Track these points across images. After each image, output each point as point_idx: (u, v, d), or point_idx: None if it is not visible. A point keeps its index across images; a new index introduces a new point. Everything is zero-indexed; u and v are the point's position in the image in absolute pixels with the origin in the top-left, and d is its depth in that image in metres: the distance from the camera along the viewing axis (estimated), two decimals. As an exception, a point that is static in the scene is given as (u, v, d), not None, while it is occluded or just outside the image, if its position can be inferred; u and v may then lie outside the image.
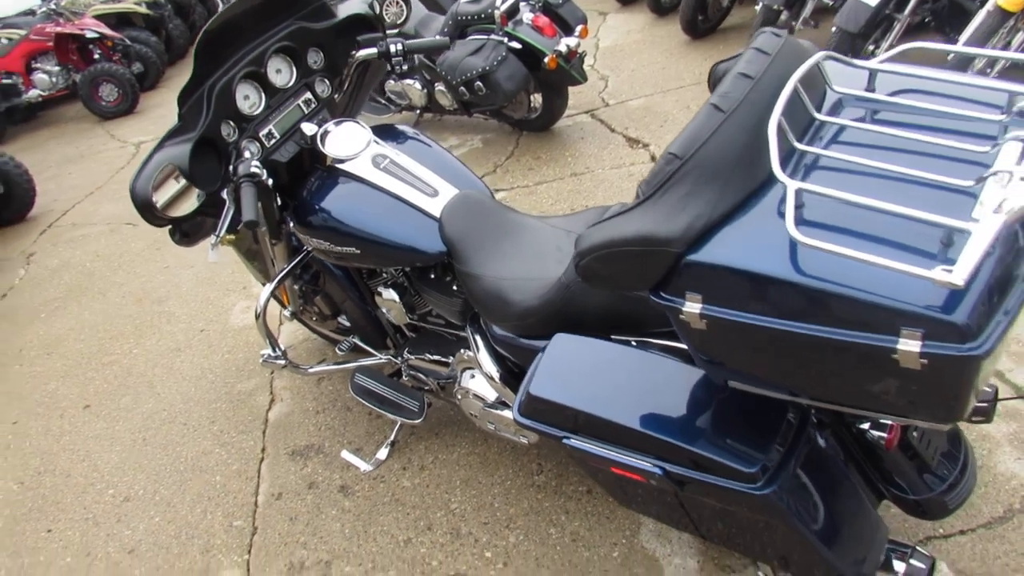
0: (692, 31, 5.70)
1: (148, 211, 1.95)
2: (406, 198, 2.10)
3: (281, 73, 2.23)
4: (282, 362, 2.42)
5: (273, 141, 2.18)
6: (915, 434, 1.60)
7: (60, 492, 2.71)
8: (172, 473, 2.67)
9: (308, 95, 2.28)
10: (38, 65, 7.33)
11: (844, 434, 1.60)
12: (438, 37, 2.49)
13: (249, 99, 2.15)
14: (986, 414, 1.80)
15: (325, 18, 2.31)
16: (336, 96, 2.38)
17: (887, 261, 1.00)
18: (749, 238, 1.20)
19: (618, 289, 1.38)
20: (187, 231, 2.14)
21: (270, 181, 2.06)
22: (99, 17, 7.57)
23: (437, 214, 2.07)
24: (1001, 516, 1.91)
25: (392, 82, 5.05)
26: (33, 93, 7.35)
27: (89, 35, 7.26)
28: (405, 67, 2.34)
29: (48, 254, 4.67)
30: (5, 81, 7.24)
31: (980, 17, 3.37)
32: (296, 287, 2.58)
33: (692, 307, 1.23)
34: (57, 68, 7.34)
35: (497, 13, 4.18)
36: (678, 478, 1.47)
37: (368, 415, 2.70)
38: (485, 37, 4.28)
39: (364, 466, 2.49)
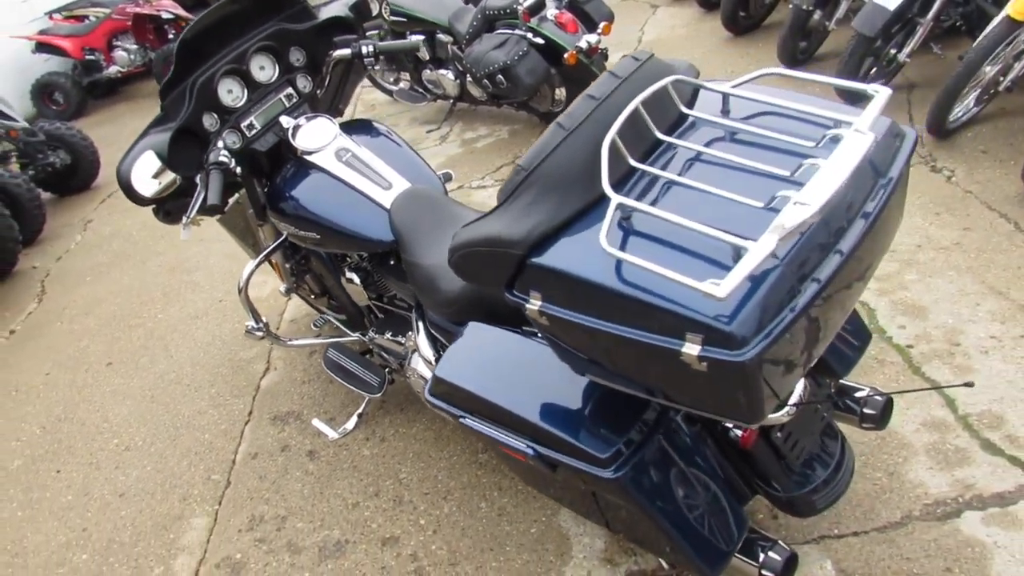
0: (733, 27, 5.67)
1: (130, 192, 2.20)
2: (362, 189, 2.28)
3: (264, 69, 2.43)
4: (260, 333, 2.65)
5: (254, 132, 2.38)
6: (779, 435, 1.69)
7: (73, 438, 3.04)
8: (169, 428, 2.96)
9: (290, 90, 2.47)
10: (118, 43, 7.83)
11: (716, 431, 1.71)
12: (411, 38, 2.62)
13: (232, 93, 2.36)
14: (876, 421, 1.88)
15: (306, 20, 2.50)
16: (319, 92, 2.57)
17: (670, 272, 1.12)
18: (578, 245, 1.33)
19: (481, 285, 1.53)
20: (169, 210, 2.38)
21: (238, 169, 2.26)
22: (176, -1, 8.03)
23: (388, 205, 2.25)
24: (897, 522, 1.97)
25: (428, 71, 5.24)
26: (113, 69, 7.85)
27: (165, 16, 7.70)
28: (376, 67, 2.52)
29: (103, 222, 5.08)
30: (88, 57, 7.76)
31: (992, 26, 3.31)
32: (288, 266, 2.80)
33: (534, 304, 1.38)
34: (135, 47, 7.82)
35: (520, 9, 4.31)
36: (547, 459, 1.61)
37: (346, 389, 2.91)
38: (509, 32, 4.42)
39: (332, 434, 2.70)
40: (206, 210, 2.19)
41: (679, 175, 1.34)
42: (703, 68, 5.28)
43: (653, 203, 1.36)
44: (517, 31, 4.40)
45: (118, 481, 2.76)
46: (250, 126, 2.38)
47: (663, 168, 1.42)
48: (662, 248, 1.27)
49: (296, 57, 2.49)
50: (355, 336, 2.74)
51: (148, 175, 2.20)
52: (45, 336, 3.85)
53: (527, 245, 1.37)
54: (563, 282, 1.32)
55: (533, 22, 4.34)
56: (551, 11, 4.40)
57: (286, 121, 2.40)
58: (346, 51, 2.50)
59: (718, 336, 1.15)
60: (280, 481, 2.58)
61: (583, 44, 4.28)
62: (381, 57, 2.50)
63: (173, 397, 3.13)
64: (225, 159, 2.18)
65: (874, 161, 1.35)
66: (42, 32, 7.62)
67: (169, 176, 2.24)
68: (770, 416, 1.60)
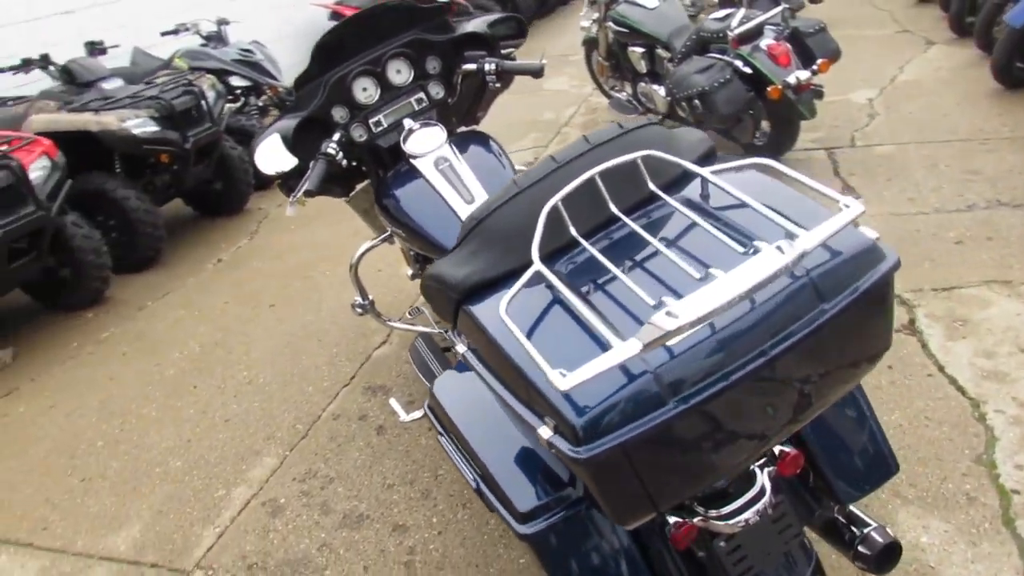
0: (1005, 78, 4.99)
1: (256, 167, 2.51)
2: (446, 198, 2.40)
3: (400, 73, 2.63)
4: (360, 310, 2.89)
5: (379, 128, 2.60)
6: (722, 544, 1.57)
7: (217, 363, 3.53)
8: (287, 374, 3.33)
9: (421, 95, 2.65)
10: None
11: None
12: (535, 61, 2.64)
13: (367, 91, 2.58)
14: (870, 563, 1.67)
15: (446, 32, 2.66)
16: (450, 100, 2.72)
17: (533, 351, 1.12)
18: (496, 302, 1.36)
19: (441, 318, 1.59)
20: (291, 186, 2.67)
21: (344, 162, 2.48)
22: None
23: (464, 217, 2.35)
24: None
25: (643, 85, 5.22)
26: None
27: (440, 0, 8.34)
28: (498, 84, 2.61)
29: (328, 179, 5.71)
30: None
31: None
32: (412, 253, 3.01)
33: (462, 348, 1.43)
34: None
35: (730, 35, 4.15)
36: (484, 497, 1.65)
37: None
38: (718, 57, 4.28)
39: (402, 415, 2.86)
40: (307, 192, 2.44)
41: (610, 256, 1.30)
42: (946, 122, 4.71)
43: (574, 279, 1.35)
44: (725, 57, 4.25)
45: (230, 408, 3.17)
46: (378, 123, 2.58)
47: (603, 245, 1.39)
48: (552, 325, 1.26)
49: (432, 65, 2.66)
50: (438, 331, 2.89)
51: (271, 154, 2.49)
52: (240, 270, 4.46)
53: (461, 291, 1.42)
54: (478, 334, 1.35)
55: (745, 50, 4.16)
56: (766, 40, 4.18)
57: (408, 123, 2.58)
58: (472, 66, 2.62)
59: (565, 427, 1.13)
60: (344, 446, 2.82)
61: (791, 79, 4.03)
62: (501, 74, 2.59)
63: (303, 348, 3.51)
64: (332, 152, 2.40)
65: (819, 283, 1.22)
66: (338, 3, 8.60)
67: (289, 158, 2.52)
68: (716, 523, 1.50)
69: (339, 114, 2.52)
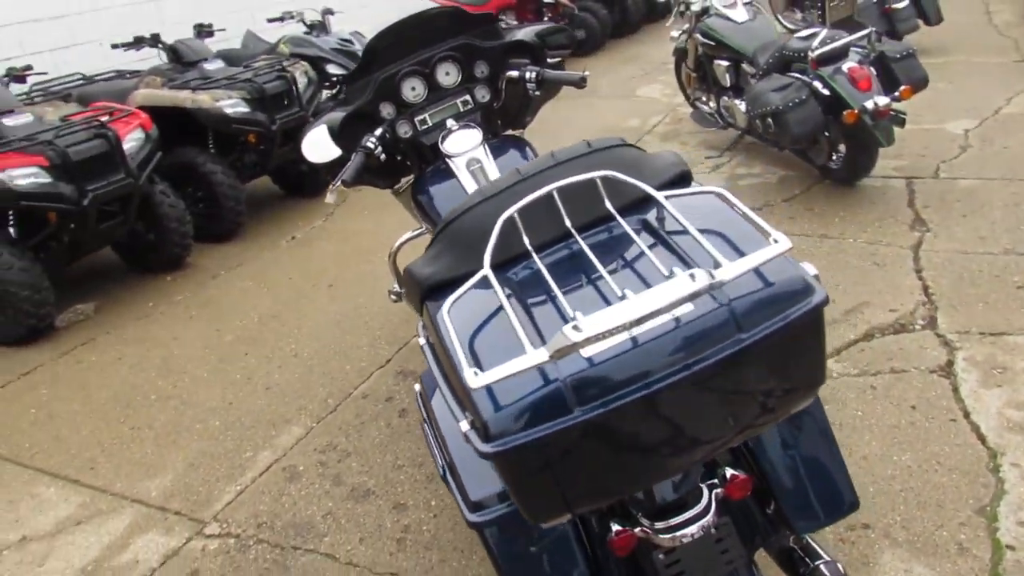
0: (1118, 120, 4.67)
1: (302, 154, 2.67)
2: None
3: (449, 75, 2.73)
4: (394, 297, 3.03)
5: (424, 127, 2.72)
6: (660, 557, 1.60)
7: (270, 334, 3.75)
8: (330, 350, 3.50)
9: (467, 97, 2.75)
10: (503, 18, 8.76)
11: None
12: (576, 72, 2.65)
13: (415, 90, 2.70)
14: None
15: (494, 39, 2.75)
16: (495, 104, 2.81)
17: (458, 348, 1.21)
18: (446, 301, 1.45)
19: (413, 310, 1.70)
20: (335, 175, 2.83)
21: (382, 157, 2.61)
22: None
23: None
24: None
25: (726, 99, 5.17)
26: (492, 40, 8.84)
27: (547, 0, 8.45)
28: (538, 92, 2.68)
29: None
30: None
31: None
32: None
33: (422, 340, 1.53)
34: (514, 22, 8.70)
35: (811, 55, 4.07)
36: (447, 484, 1.74)
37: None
38: (796, 76, 4.20)
39: (422, 401, 3.00)
40: (344, 183, 2.58)
41: (555, 269, 1.37)
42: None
43: (517, 287, 1.42)
44: (804, 76, 4.17)
45: (273, 377, 3.37)
46: (423, 121, 2.70)
47: (553, 258, 1.45)
48: (487, 328, 1.34)
49: (480, 70, 2.75)
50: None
51: (317, 144, 2.64)
52: (309, 248, 4.70)
53: (424, 288, 1.52)
54: (431, 329, 1.45)
55: (825, 71, 4.07)
56: (849, 63, 4.07)
57: (450, 123, 2.68)
58: (515, 72, 2.70)
59: (478, 422, 1.21)
60: (367, 424, 2.96)
61: (869, 104, 3.91)
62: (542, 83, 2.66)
63: (350, 327, 3.68)
64: (371, 146, 2.53)
65: (739, 312, 1.24)
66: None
67: (334, 149, 2.66)
68: (656, 535, 1.54)
69: (386, 110, 2.65)
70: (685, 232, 1.36)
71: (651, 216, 1.48)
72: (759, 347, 1.22)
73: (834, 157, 4.43)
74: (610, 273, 1.28)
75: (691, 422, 1.29)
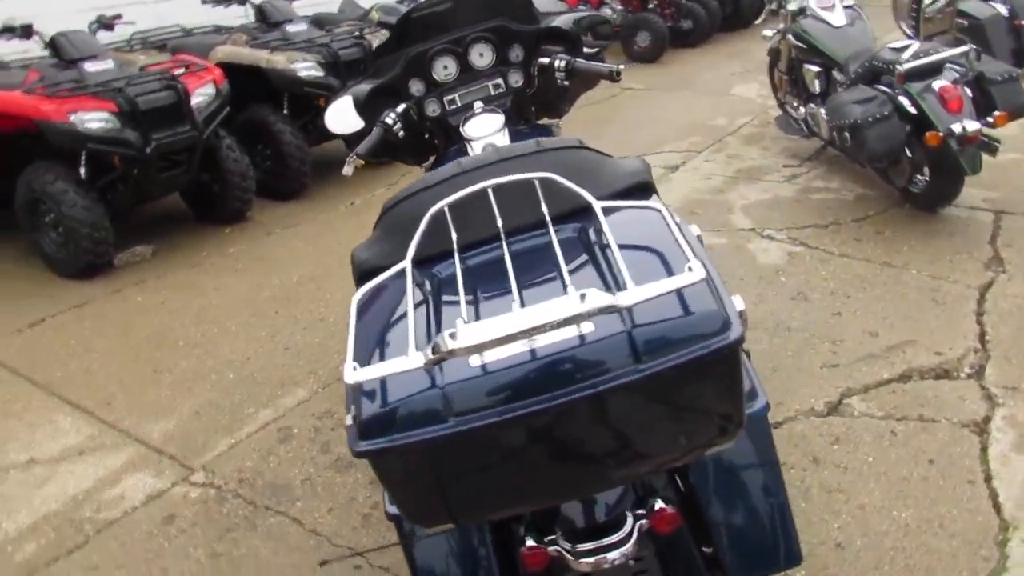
0: None
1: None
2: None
3: (483, 57, 2.67)
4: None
5: (453, 107, 2.68)
6: None
7: (303, 296, 3.83)
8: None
9: (499, 81, 2.69)
10: (608, 1, 8.59)
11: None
12: (609, 64, 2.49)
13: (447, 69, 2.65)
14: None
15: (530, 23, 2.67)
16: (528, 90, 2.74)
17: (351, 341, 1.20)
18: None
19: None
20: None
21: (400, 133, 2.58)
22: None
23: None
24: None
25: (812, 106, 4.89)
26: (595, 25, 8.68)
27: (652, -13, 8.22)
28: (567, 82, 2.59)
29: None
30: (581, 7, 8.68)
31: None
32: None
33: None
34: (619, 8, 8.52)
35: (898, 69, 3.79)
36: None
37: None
38: (883, 90, 3.93)
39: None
40: (359, 156, 2.57)
41: (472, 272, 1.32)
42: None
43: (432, 285, 1.37)
44: (891, 90, 3.89)
45: (295, 338, 3.43)
46: (452, 101, 2.66)
47: (476, 260, 1.40)
48: (389, 324, 1.30)
49: (515, 54, 2.67)
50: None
51: (341, 115, 2.64)
52: (365, 215, 4.76)
53: (358, 272, 1.49)
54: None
55: (914, 87, 3.79)
56: (942, 81, 3.77)
57: (477, 106, 2.63)
58: (544, 60, 2.61)
59: (356, 418, 1.18)
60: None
61: (957, 127, 3.61)
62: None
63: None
64: (390, 122, 2.51)
65: (640, 341, 1.14)
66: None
67: (357, 121, 2.66)
68: (568, 556, 1.47)
69: (416, 87, 2.61)
70: (605, 246, 1.28)
71: (590, 226, 1.39)
72: (657, 381, 1.13)
73: (916, 180, 4.12)
74: (523, 283, 1.22)
75: (584, 448, 1.21)
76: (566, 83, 2.59)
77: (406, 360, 1.06)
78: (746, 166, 5.18)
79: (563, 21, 2.67)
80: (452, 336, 1.01)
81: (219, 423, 2.89)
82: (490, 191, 1.35)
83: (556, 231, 1.39)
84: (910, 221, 4.07)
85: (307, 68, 4.67)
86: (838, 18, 4.75)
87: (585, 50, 2.75)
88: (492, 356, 1.13)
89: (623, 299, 1.04)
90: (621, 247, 1.19)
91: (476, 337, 1.00)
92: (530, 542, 1.47)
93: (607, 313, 1.04)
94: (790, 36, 4.99)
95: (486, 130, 2.51)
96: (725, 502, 1.57)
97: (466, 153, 2.50)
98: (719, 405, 1.22)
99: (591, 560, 1.44)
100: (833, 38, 4.67)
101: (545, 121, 2.88)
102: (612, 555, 1.43)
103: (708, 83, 7.56)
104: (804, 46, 4.83)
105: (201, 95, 4.15)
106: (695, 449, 1.28)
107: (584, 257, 1.30)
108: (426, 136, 2.71)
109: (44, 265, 4.23)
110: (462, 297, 1.20)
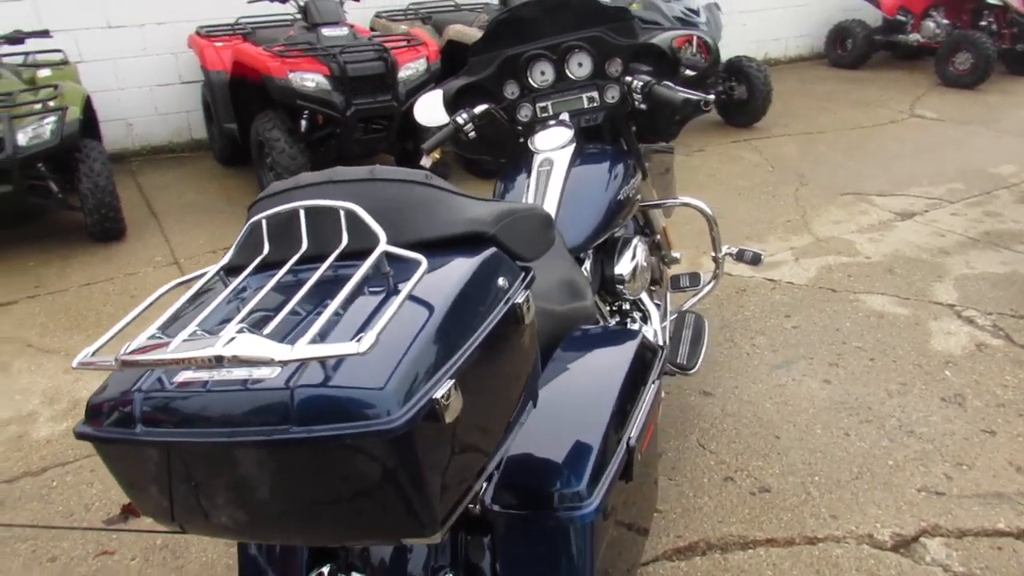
0: None
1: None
2: (522, 198, 2.36)
3: (582, 67, 2.54)
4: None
5: (544, 115, 2.61)
6: None
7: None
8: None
9: (594, 94, 2.55)
10: (933, 13, 7.49)
11: None
12: (697, 93, 2.10)
13: (544, 75, 2.58)
14: None
15: (629, 37, 2.46)
16: (625, 108, 2.54)
17: (117, 326, 1.30)
18: None
19: None
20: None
21: (471, 135, 2.54)
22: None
23: None
24: None
25: None
26: (913, 36, 7.63)
27: (991, 1, 7.00)
28: (643, 106, 2.36)
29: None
30: (899, 17, 7.68)
31: None
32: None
33: None
34: (945, 22, 7.39)
35: None
36: None
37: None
38: None
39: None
40: (422, 149, 2.59)
41: (249, 289, 1.32)
42: None
43: (215, 294, 1.39)
44: None
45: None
46: (544, 108, 2.59)
47: (268, 279, 1.37)
48: (149, 319, 1.36)
49: (614, 68, 2.51)
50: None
51: (428, 108, 2.69)
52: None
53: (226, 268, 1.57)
54: None
55: None
56: None
57: (564, 116, 2.53)
58: (628, 78, 2.40)
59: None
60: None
61: None
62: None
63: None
64: (461, 122, 2.50)
65: (299, 402, 1.07)
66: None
67: (443, 115, 2.68)
68: None
69: (510, 90, 2.58)
70: (384, 294, 1.19)
71: (379, 265, 1.30)
72: (309, 450, 1.05)
73: None
74: (270, 311, 1.19)
75: (255, 495, 1.17)
76: (643, 106, 2.39)
77: (112, 359, 1.09)
78: (999, 229, 4.28)
79: (661, 40, 2.44)
80: (127, 347, 1.03)
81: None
82: (302, 212, 1.32)
83: (344, 267, 1.32)
84: None
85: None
86: None
87: (687, 72, 2.51)
88: (180, 376, 1.12)
89: (286, 353, 0.98)
90: (351, 298, 1.11)
91: (136, 356, 1.02)
92: (324, 569, 1.46)
93: (257, 365, 1.00)
94: None
95: (549, 144, 2.43)
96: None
97: (528, 164, 2.43)
98: (390, 494, 1.09)
99: None
100: None
101: (655, 146, 2.70)
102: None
103: (979, 115, 6.31)
104: None
105: (410, 68, 4.43)
106: (377, 535, 1.18)
107: (348, 300, 1.22)
108: (500, 140, 2.65)
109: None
110: (209, 312, 1.20)
